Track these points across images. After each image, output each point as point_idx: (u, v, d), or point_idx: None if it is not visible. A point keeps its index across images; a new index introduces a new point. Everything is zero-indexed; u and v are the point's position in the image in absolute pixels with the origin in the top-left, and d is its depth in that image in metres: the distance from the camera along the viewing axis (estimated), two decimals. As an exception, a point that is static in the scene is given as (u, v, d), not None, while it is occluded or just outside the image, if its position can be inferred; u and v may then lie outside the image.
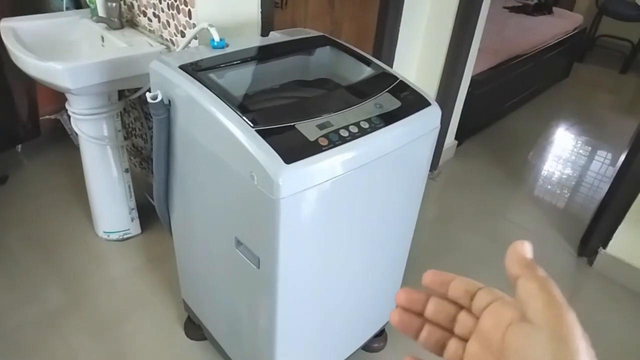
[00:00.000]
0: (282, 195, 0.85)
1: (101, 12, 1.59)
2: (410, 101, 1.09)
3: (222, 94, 0.96)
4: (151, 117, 1.87)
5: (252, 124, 0.90)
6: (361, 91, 1.11)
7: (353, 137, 0.94)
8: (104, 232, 1.89)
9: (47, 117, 2.27)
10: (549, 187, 2.60)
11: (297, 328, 1.15)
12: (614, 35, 4.34)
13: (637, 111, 3.46)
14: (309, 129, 0.93)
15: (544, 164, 2.81)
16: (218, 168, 1.00)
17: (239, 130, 0.89)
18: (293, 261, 0.98)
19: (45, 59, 1.34)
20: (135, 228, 1.91)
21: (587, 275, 1.99)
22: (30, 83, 2.06)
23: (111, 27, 1.59)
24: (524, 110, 3.39)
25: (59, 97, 2.15)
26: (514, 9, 3.73)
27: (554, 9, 3.84)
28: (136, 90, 1.68)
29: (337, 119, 0.96)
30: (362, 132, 0.96)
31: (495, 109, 3.13)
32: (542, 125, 3.25)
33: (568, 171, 2.75)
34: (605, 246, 1.95)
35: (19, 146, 2.32)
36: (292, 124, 0.93)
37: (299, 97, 1.20)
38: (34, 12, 1.70)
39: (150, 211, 1.95)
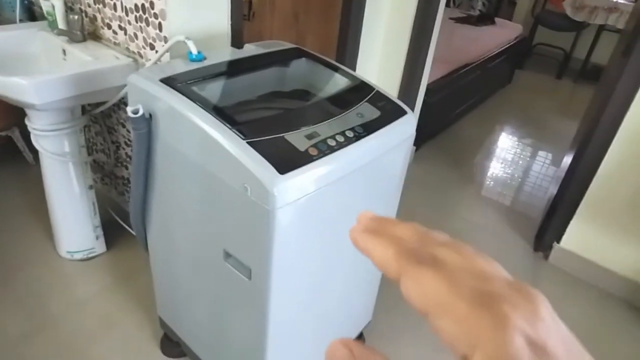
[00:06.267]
0: (278, 205, 0.87)
1: (61, 25, 1.54)
2: (388, 110, 1.13)
3: (209, 107, 0.97)
4: (114, 131, 1.83)
5: (242, 136, 0.91)
6: (342, 101, 1.14)
7: (340, 146, 0.97)
8: (68, 251, 1.81)
9: (-5, 134, 2.15)
10: (500, 186, 2.74)
11: (287, 338, 1.15)
12: (549, 43, 4.65)
13: (572, 113, 3.71)
14: (298, 139, 0.95)
15: (493, 166, 2.96)
16: (205, 181, 1.00)
17: (230, 143, 0.90)
18: (285, 270, 0.99)
19: (7, 74, 1.28)
20: (100, 246, 1.85)
21: (544, 269, 2.12)
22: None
23: (73, 40, 1.54)
24: (473, 116, 3.57)
25: (9, 113, 2.05)
26: (459, 20, 3.91)
27: (496, 19, 4.06)
28: (98, 104, 1.63)
29: (324, 129, 0.99)
30: (349, 141, 0.99)
31: (448, 115, 3.27)
32: (489, 129, 3.43)
33: (516, 171, 2.92)
34: (559, 241, 2.09)
35: (-35, 166, 2.18)
36: (281, 135, 0.94)
37: (283, 108, 1.22)
38: (-17, 24, 1.62)
39: (115, 228, 1.89)
